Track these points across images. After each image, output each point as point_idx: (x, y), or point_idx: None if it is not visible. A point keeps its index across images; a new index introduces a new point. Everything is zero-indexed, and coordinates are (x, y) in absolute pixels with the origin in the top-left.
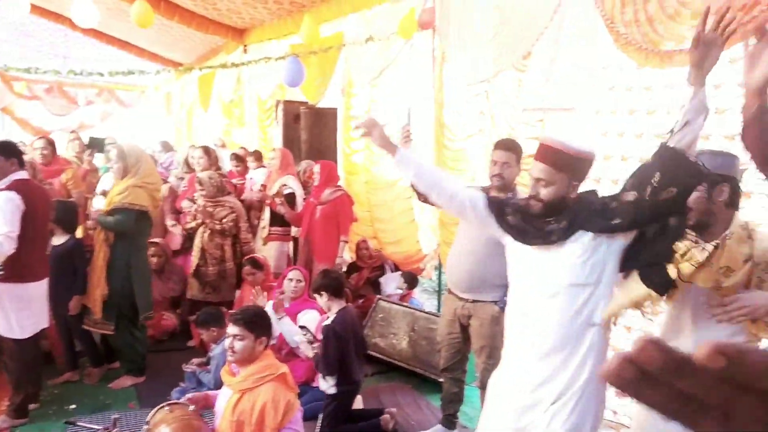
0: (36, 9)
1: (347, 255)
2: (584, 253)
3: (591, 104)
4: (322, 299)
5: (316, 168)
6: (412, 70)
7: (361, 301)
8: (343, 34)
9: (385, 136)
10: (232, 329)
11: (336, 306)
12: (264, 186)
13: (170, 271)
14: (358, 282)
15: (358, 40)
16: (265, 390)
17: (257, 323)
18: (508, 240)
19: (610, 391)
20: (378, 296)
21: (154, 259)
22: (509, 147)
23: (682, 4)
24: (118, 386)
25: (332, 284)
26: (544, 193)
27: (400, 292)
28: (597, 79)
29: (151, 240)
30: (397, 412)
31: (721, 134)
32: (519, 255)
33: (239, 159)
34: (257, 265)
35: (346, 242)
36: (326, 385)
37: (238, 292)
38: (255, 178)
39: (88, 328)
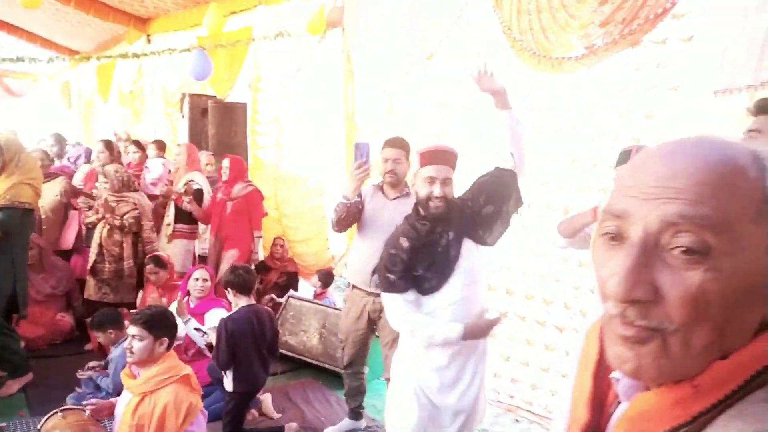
0: None
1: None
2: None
3: (490, 104)
4: (229, 296)
5: (226, 163)
6: (326, 67)
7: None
8: (252, 28)
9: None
10: (131, 329)
11: (243, 302)
12: (170, 182)
13: (51, 267)
14: (266, 285)
15: (267, 35)
16: (166, 392)
17: (157, 323)
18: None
19: (507, 377)
20: (289, 294)
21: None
22: (399, 144)
23: (571, 16)
24: (5, 393)
25: (238, 281)
26: (449, 192)
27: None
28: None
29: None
30: (307, 409)
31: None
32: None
33: (139, 146)
34: (160, 263)
35: (260, 237)
36: (226, 381)
37: (141, 293)
38: (151, 167)
39: None
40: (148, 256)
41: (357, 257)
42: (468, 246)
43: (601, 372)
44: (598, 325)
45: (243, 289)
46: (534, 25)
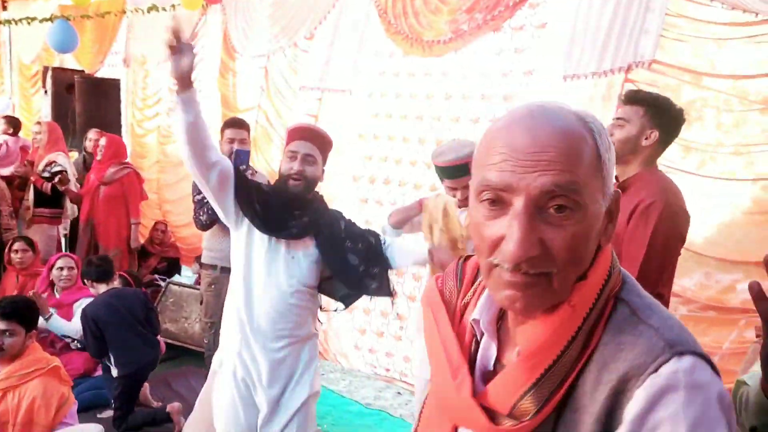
0: None
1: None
2: (315, 258)
3: (365, 87)
4: (91, 288)
5: (102, 141)
6: (208, 43)
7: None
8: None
9: (191, 67)
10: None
11: (102, 289)
12: (31, 163)
13: None
14: (145, 271)
15: (139, 7)
16: (33, 386)
17: (28, 316)
18: (241, 225)
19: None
20: (168, 280)
21: None
22: (241, 124)
23: (442, 2)
24: None
25: (94, 271)
26: (310, 171)
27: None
28: (370, 64)
29: None
30: (190, 397)
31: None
32: (251, 243)
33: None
34: (30, 243)
35: (138, 224)
36: (112, 367)
37: None
38: None
39: None
40: (14, 237)
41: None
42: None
43: (456, 322)
44: (430, 290)
45: (101, 277)
46: (408, 9)
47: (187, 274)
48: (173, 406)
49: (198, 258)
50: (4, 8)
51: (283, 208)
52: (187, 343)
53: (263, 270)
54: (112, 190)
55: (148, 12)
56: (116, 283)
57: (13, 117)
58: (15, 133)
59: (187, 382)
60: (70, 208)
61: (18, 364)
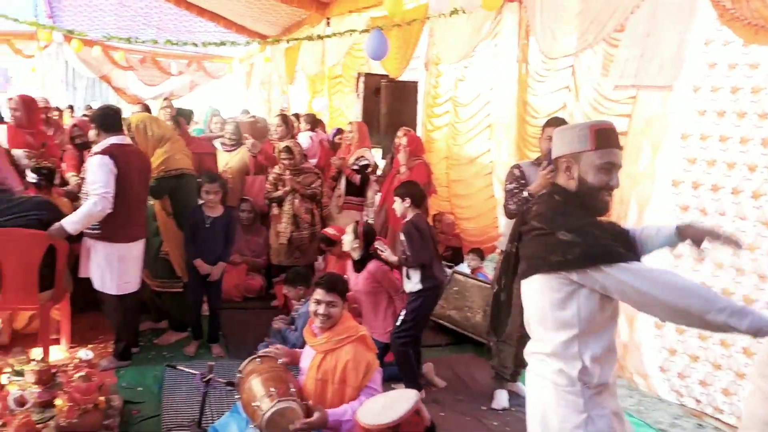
0: None
1: None
2: None
3: (689, 82)
4: (402, 204)
5: (404, 140)
6: (500, 44)
7: None
8: (427, 6)
9: None
10: (326, 296)
11: (412, 213)
12: (343, 158)
13: (256, 232)
14: None
15: (443, 12)
16: (346, 350)
17: (343, 289)
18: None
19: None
20: (453, 269)
21: (244, 215)
22: (561, 124)
23: None
24: (165, 342)
25: (416, 193)
26: (616, 182)
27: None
28: (697, 56)
29: (243, 197)
30: (472, 384)
31: None
32: None
33: (285, 121)
34: (329, 242)
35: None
36: (411, 284)
37: (320, 259)
38: (300, 141)
39: (159, 288)
40: (321, 233)
41: None
42: None
43: None
44: None
45: (416, 201)
46: None
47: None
48: (428, 366)
49: (474, 250)
50: (328, 24)
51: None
52: (468, 332)
53: None
54: (403, 179)
55: (450, 16)
56: None
57: (312, 115)
58: (313, 129)
59: (468, 370)
60: (370, 197)
61: (335, 330)
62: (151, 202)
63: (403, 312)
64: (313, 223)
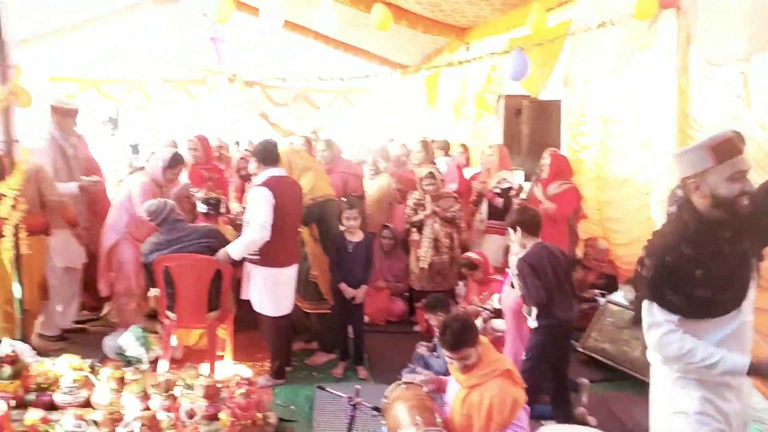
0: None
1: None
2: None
3: None
4: (515, 235)
5: (546, 160)
6: (655, 54)
7: (585, 306)
8: (570, 22)
9: None
10: (454, 354)
11: (530, 242)
12: (483, 182)
13: (398, 257)
14: (582, 283)
15: (587, 26)
16: (491, 385)
17: (472, 338)
18: None
19: None
20: (606, 298)
21: (385, 241)
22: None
23: None
24: (315, 362)
25: (527, 220)
26: (750, 185)
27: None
28: None
29: (385, 223)
30: (628, 422)
31: None
32: None
33: (425, 147)
34: (472, 266)
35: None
36: (530, 320)
37: (461, 284)
38: (438, 166)
39: (309, 310)
40: (462, 257)
41: None
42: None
43: None
44: None
45: (530, 228)
46: None
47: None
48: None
49: (630, 280)
50: (467, 49)
51: None
52: (625, 367)
53: None
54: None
55: (597, 29)
56: None
57: (444, 141)
58: (446, 154)
59: (627, 409)
60: None
61: (478, 366)
62: (300, 229)
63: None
64: (453, 247)
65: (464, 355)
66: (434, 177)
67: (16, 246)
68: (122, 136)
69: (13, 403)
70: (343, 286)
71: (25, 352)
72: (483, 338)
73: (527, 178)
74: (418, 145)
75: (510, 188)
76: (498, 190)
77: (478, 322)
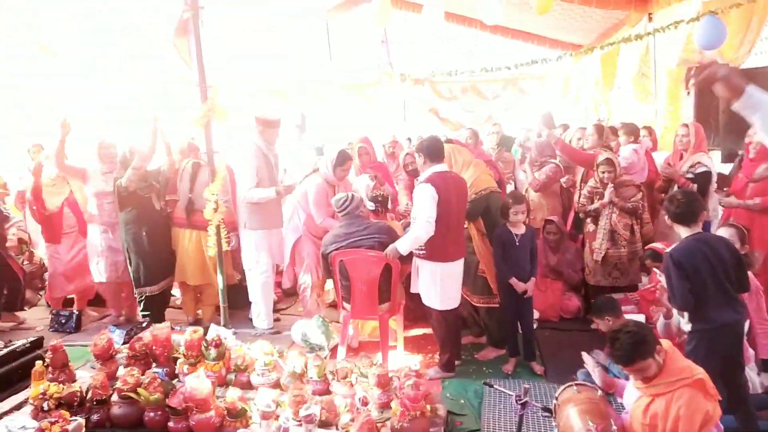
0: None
1: None
2: None
3: None
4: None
5: (755, 137)
6: None
7: None
8: None
9: None
10: (628, 370)
11: (684, 233)
12: (669, 164)
13: (565, 250)
14: None
15: None
16: (680, 395)
17: (650, 348)
18: None
19: None
20: None
21: (550, 237)
22: None
23: None
24: (484, 357)
25: (677, 209)
26: None
27: None
28: None
29: (548, 218)
30: None
31: None
32: None
33: (599, 131)
34: (656, 257)
35: None
36: (683, 322)
37: (644, 279)
38: (624, 155)
39: (479, 304)
40: (645, 248)
41: None
42: None
43: None
44: None
45: (682, 217)
46: None
47: None
48: None
49: None
50: (650, 20)
51: None
52: None
53: None
54: (759, 189)
55: None
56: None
57: (632, 125)
58: (635, 140)
59: None
60: (713, 209)
61: (663, 374)
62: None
63: None
64: (633, 241)
65: (640, 368)
66: (612, 164)
67: (218, 243)
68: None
69: (216, 381)
70: (513, 280)
71: (228, 337)
72: (665, 342)
73: (726, 160)
74: (591, 128)
75: (708, 173)
76: (691, 175)
77: (660, 323)
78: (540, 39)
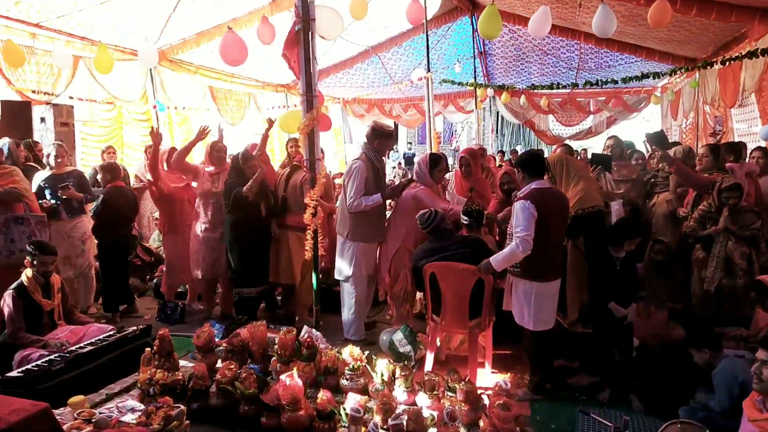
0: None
1: None
2: None
3: None
4: None
5: None
6: None
7: None
8: None
9: None
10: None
11: None
12: None
13: (674, 273)
14: None
15: None
16: None
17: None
18: None
19: None
20: None
21: (659, 257)
22: None
23: None
24: (577, 383)
25: None
26: None
27: None
28: None
29: (657, 238)
30: None
31: None
32: None
33: (713, 151)
34: (763, 291)
35: None
36: None
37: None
38: None
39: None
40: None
41: None
42: None
43: None
44: None
45: None
46: None
47: None
48: None
49: None
50: None
51: None
52: None
53: None
54: None
55: None
56: None
57: (738, 143)
58: (736, 160)
59: None
60: None
61: None
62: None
63: None
64: (752, 272)
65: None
66: (740, 189)
67: (314, 247)
68: (399, 150)
69: (306, 381)
70: (613, 305)
71: (319, 338)
72: None
73: None
74: (703, 149)
75: None
76: None
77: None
78: (648, 52)
